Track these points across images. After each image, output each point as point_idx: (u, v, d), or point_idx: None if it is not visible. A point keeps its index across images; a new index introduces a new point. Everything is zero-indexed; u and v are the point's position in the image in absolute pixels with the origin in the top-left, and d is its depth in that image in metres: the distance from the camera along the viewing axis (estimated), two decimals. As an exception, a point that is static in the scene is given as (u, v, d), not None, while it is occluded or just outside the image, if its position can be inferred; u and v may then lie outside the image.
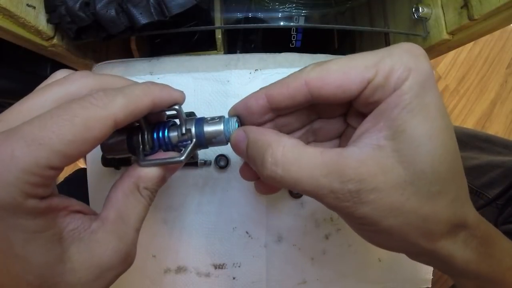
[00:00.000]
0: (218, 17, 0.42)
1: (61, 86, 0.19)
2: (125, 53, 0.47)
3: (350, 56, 0.19)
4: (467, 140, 0.63)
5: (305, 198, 0.34)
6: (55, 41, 0.33)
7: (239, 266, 0.34)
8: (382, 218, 0.17)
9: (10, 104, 0.18)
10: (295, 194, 0.33)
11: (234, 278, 0.34)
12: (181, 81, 0.34)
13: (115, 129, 0.18)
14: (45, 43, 0.32)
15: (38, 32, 0.31)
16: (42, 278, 0.16)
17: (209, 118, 0.22)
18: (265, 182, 0.19)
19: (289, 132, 0.23)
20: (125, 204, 0.20)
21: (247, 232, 0.34)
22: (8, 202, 0.15)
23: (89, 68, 0.39)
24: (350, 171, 0.17)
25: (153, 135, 0.22)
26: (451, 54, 1.26)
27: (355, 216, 0.17)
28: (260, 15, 0.46)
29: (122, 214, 0.20)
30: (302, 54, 0.35)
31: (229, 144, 0.22)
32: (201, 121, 0.22)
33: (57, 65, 0.39)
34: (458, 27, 0.33)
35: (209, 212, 0.34)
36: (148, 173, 0.21)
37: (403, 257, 0.21)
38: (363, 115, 0.19)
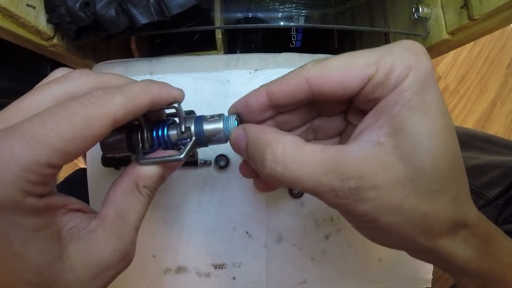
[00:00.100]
0: (218, 17, 0.42)
1: (60, 84, 0.19)
2: (125, 53, 0.47)
3: (350, 53, 0.19)
4: (467, 140, 0.63)
5: (305, 198, 0.34)
6: (55, 41, 0.33)
7: (239, 266, 0.34)
8: (381, 215, 0.17)
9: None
10: (295, 194, 0.33)
11: (234, 278, 0.34)
12: (181, 81, 0.34)
13: (114, 128, 0.18)
14: (45, 43, 0.32)
15: (38, 32, 0.31)
16: (41, 276, 0.16)
17: (208, 116, 0.22)
18: (265, 180, 0.19)
19: (289, 129, 0.23)
20: (124, 203, 0.20)
21: (247, 232, 0.34)
22: (7, 200, 0.15)
23: (89, 68, 0.39)
24: (350, 169, 0.17)
25: (153, 133, 0.22)
26: (451, 54, 1.26)
27: (355, 213, 0.17)
28: (260, 15, 0.46)
29: (121, 213, 0.20)
30: (302, 54, 0.35)
31: (228, 143, 0.22)
32: (200, 119, 0.22)
33: (57, 65, 0.39)
34: (458, 27, 0.33)
35: (209, 212, 0.34)
36: (147, 171, 0.21)
37: (403, 257, 0.21)
38: (363, 113, 0.19)
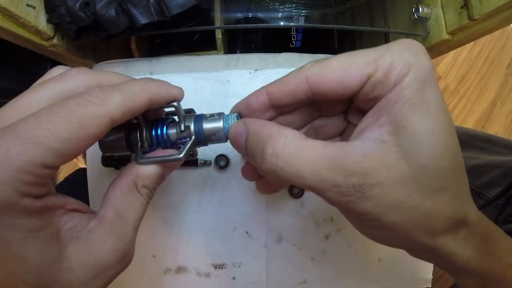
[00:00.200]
0: (218, 17, 0.42)
1: (57, 82, 0.19)
2: (125, 53, 0.47)
3: (350, 53, 0.19)
4: (467, 140, 0.63)
5: (305, 198, 0.34)
6: (55, 41, 0.33)
7: (239, 266, 0.34)
8: (384, 214, 0.17)
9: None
10: (295, 193, 0.33)
11: (234, 278, 0.34)
12: (181, 81, 0.34)
13: (112, 127, 0.17)
14: (45, 43, 0.32)
15: (38, 32, 0.31)
16: (39, 277, 0.16)
17: (208, 115, 0.22)
18: (264, 175, 0.19)
19: None
20: (123, 203, 0.20)
21: (247, 232, 0.34)
22: (3, 201, 0.14)
23: (89, 68, 0.39)
24: (353, 165, 0.17)
25: (152, 132, 0.22)
26: (451, 54, 1.26)
27: (357, 211, 0.17)
28: (260, 15, 0.46)
29: (120, 213, 0.20)
30: (302, 54, 0.35)
31: (228, 142, 0.22)
32: (200, 118, 0.22)
33: (57, 65, 0.39)
34: (458, 27, 0.33)
35: (209, 212, 0.34)
36: (146, 171, 0.21)
37: (403, 257, 0.21)
38: (363, 113, 0.19)
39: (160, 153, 0.22)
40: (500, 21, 0.31)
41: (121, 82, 0.19)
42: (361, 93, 0.18)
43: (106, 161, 0.32)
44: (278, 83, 0.20)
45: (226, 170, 0.33)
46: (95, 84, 0.19)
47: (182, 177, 0.34)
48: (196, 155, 0.26)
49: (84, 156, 0.41)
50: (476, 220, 0.18)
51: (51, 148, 0.15)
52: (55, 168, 0.16)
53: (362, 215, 0.18)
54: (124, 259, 0.20)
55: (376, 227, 0.18)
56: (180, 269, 0.34)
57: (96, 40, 0.33)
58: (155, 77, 0.34)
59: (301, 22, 0.46)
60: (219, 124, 0.22)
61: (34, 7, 0.30)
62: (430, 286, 0.36)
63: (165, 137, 0.22)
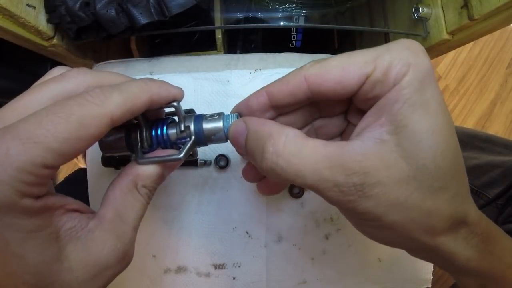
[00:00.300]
0: (218, 17, 0.42)
1: (57, 83, 0.19)
2: (125, 53, 0.47)
3: (349, 53, 0.19)
4: (467, 140, 0.63)
5: (305, 198, 0.34)
6: (55, 41, 0.33)
7: (239, 266, 0.34)
8: (385, 213, 0.17)
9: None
10: (295, 193, 0.33)
11: (234, 278, 0.34)
12: (181, 81, 0.34)
13: (112, 127, 0.17)
14: (45, 43, 0.32)
15: (38, 32, 0.31)
16: (38, 277, 0.16)
17: (208, 115, 0.22)
18: (264, 174, 0.19)
19: None
20: (123, 203, 0.20)
21: (247, 232, 0.34)
22: (3, 201, 0.14)
23: (89, 68, 0.39)
24: (354, 164, 0.17)
25: (152, 132, 0.22)
26: (451, 54, 1.26)
27: (357, 211, 0.17)
28: (260, 15, 0.46)
29: (120, 213, 0.20)
30: (302, 54, 0.35)
31: (229, 142, 0.22)
32: (200, 118, 0.22)
33: (57, 65, 0.39)
34: (458, 27, 0.33)
35: (209, 212, 0.34)
36: (146, 171, 0.21)
37: (403, 257, 0.21)
38: (363, 113, 0.19)
39: (160, 153, 0.22)
40: (500, 21, 0.31)
41: (121, 82, 0.19)
42: (360, 92, 0.18)
43: (106, 161, 0.32)
44: (278, 83, 0.20)
45: (226, 170, 0.33)
46: (95, 84, 0.19)
47: (182, 177, 0.34)
48: (196, 155, 0.26)
49: (84, 156, 0.41)
50: (476, 220, 0.18)
51: (51, 148, 0.15)
52: (55, 168, 0.16)
53: (362, 215, 0.18)
54: (123, 259, 0.20)
55: (376, 227, 0.18)
56: (180, 269, 0.34)
57: (96, 40, 0.33)
58: (155, 77, 0.34)
59: (301, 22, 0.46)
60: (219, 124, 0.22)
61: (34, 7, 0.30)
62: (430, 286, 0.36)
63: (165, 137, 0.22)
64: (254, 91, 0.22)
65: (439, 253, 0.18)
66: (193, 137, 0.22)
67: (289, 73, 0.20)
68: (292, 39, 0.51)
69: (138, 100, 0.18)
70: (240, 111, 0.22)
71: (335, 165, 0.17)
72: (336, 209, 0.20)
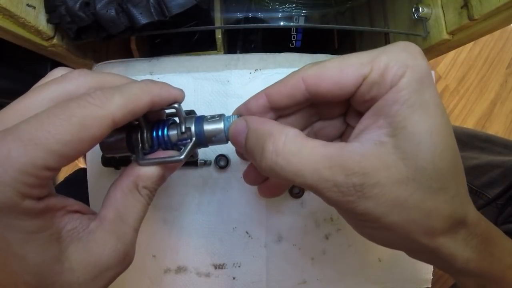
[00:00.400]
0: (218, 17, 0.42)
1: (58, 84, 0.19)
2: (125, 53, 0.47)
3: (347, 55, 0.19)
4: (467, 140, 0.63)
5: (305, 198, 0.34)
6: (55, 41, 0.33)
7: (239, 266, 0.34)
8: (384, 214, 0.17)
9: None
10: (295, 193, 0.33)
11: (234, 278, 0.34)
12: (181, 81, 0.34)
13: (114, 129, 0.18)
14: (45, 43, 0.32)
15: (38, 32, 0.31)
16: (39, 278, 0.16)
17: (209, 117, 0.22)
18: (263, 173, 0.19)
19: None
20: (124, 204, 0.20)
21: (247, 232, 0.34)
22: (5, 203, 0.14)
23: (89, 68, 0.39)
24: (354, 165, 0.17)
25: (153, 133, 0.22)
26: (451, 54, 1.26)
27: (357, 212, 0.17)
28: (260, 15, 0.46)
29: (121, 214, 0.20)
30: (302, 54, 0.35)
31: (229, 142, 0.22)
32: (201, 120, 0.22)
33: (57, 65, 0.39)
34: (458, 27, 0.33)
35: (209, 212, 0.34)
36: (147, 172, 0.21)
37: (403, 257, 0.21)
38: (361, 115, 0.19)
39: (161, 154, 0.22)
40: (500, 21, 0.31)
41: (122, 84, 0.19)
42: (357, 94, 0.18)
43: (106, 161, 0.32)
44: (277, 85, 0.20)
45: (226, 170, 0.34)
46: (96, 86, 0.19)
47: (182, 177, 0.34)
48: (197, 156, 0.26)
49: (84, 156, 0.41)
50: (475, 221, 0.18)
51: (53, 150, 0.15)
52: (56, 170, 0.16)
53: (362, 216, 0.18)
54: (124, 260, 0.20)
55: (376, 228, 0.18)
56: (180, 269, 0.34)
57: (96, 40, 0.33)
58: (155, 77, 0.34)
59: (301, 22, 0.46)
60: (220, 125, 0.22)
61: (34, 7, 0.30)
62: (430, 286, 0.36)
63: (166, 139, 0.22)
64: (254, 91, 0.22)
65: (439, 254, 0.18)
66: (194, 138, 0.22)
67: (287, 75, 0.20)
68: (292, 39, 0.51)
69: (140, 102, 0.18)
70: (241, 114, 0.22)
71: (334, 165, 0.17)
72: (336, 210, 0.20)
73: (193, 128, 0.22)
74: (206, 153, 0.34)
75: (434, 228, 0.17)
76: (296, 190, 0.33)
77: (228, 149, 0.33)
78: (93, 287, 0.18)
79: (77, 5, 0.29)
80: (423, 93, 0.17)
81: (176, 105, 0.21)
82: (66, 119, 0.16)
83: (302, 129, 0.23)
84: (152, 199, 0.22)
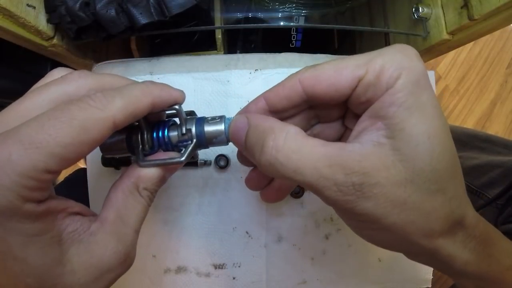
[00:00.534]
0: (218, 17, 0.42)
1: (58, 86, 0.19)
2: (125, 53, 0.47)
3: (343, 57, 0.19)
4: (467, 140, 0.63)
5: (305, 198, 0.34)
6: (55, 41, 0.33)
7: (239, 266, 0.34)
8: (383, 215, 0.17)
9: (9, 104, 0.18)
10: (295, 193, 0.33)
11: (234, 278, 0.34)
12: (181, 81, 0.34)
13: (114, 131, 0.18)
14: (45, 43, 0.32)
15: (38, 32, 0.31)
16: (40, 280, 0.16)
17: (209, 118, 0.22)
18: (261, 169, 0.19)
19: None
20: (124, 205, 0.20)
21: (247, 232, 0.34)
22: (6, 206, 0.14)
23: (89, 68, 0.39)
24: (353, 164, 0.17)
25: (153, 134, 0.22)
26: (451, 54, 1.25)
27: (356, 212, 0.17)
28: (260, 15, 0.46)
29: (122, 215, 0.20)
30: (302, 54, 0.35)
31: (229, 144, 0.22)
32: (201, 121, 0.22)
33: (57, 65, 0.39)
34: (458, 27, 0.33)
35: (209, 213, 0.34)
36: (147, 173, 0.21)
37: (403, 257, 0.21)
38: (359, 117, 0.19)
39: (161, 155, 0.22)
40: (500, 21, 0.31)
41: (122, 86, 0.19)
42: (353, 96, 0.18)
43: (106, 161, 0.32)
44: (275, 88, 0.21)
45: (226, 170, 0.34)
46: (96, 87, 0.19)
47: (182, 178, 0.34)
48: (197, 157, 0.26)
49: (84, 156, 0.41)
50: (474, 223, 0.18)
51: (53, 153, 0.15)
52: (57, 172, 0.16)
53: (361, 216, 0.18)
54: (125, 262, 0.20)
55: (375, 229, 0.18)
56: (180, 269, 0.34)
57: (96, 40, 0.33)
58: (155, 77, 0.34)
59: (301, 22, 0.46)
60: (221, 127, 0.22)
61: (34, 7, 0.30)
62: (430, 286, 0.36)
63: (166, 140, 0.22)
64: (254, 91, 0.22)
65: (437, 256, 0.18)
66: (194, 140, 0.22)
67: (285, 78, 0.20)
68: (292, 39, 0.51)
69: (140, 104, 0.18)
70: None
71: (334, 164, 0.17)
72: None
73: (193, 130, 0.22)
74: (206, 153, 0.34)
75: (433, 229, 0.17)
76: (296, 190, 0.33)
77: (228, 149, 0.33)
78: None
79: (77, 5, 0.29)
80: (420, 95, 0.17)
81: (177, 107, 0.21)
82: (67, 122, 0.15)
83: None
84: (153, 200, 0.22)
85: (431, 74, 0.35)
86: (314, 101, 0.20)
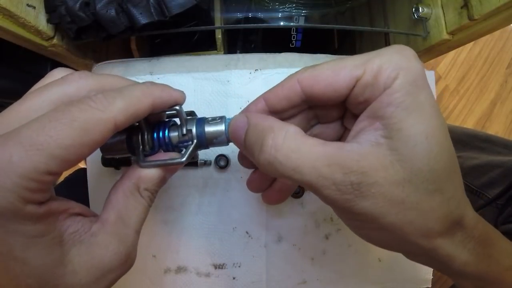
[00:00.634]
0: (218, 17, 0.42)
1: (59, 86, 0.19)
2: (125, 53, 0.47)
3: (342, 57, 0.19)
4: (467, 140, 0.63)
5: (305, 198, 0.34)
6: (55, 41, 0.33)
7: (239, 266, 0.34)
8: (382, 214, 0.17)
9: (10, 104, 0.18)
10: (295, 193, 0.33)
11: (234, 278, 0.34)
12: (181, 81, 0.34)
13: (115, 132, 0.18)
14: (45, 43, 0.32)
15: (38, 32, 0.31)
16: (42, 281, 0.16)
17: (210, 118, 0.22)
18: (260, 168, 0.19)
19: None
20: (125, 206, 0.20)
21: (247, 232, 0.34)
22: (7, 208, 0.14)
23: (89, 68, 0.39)
24: (352, 163, 0.17)
25: (153, 135, 0.22)
26: (451, 54, 1.25)
27: (354, 211, 0.17)
28: (260, 15, 0.46)
29: (123, 216, 0.20)
30: (302, 54, 0.35)
31: (230, 144, 0.22)
32: (202, 122, 0.22)
33: (57, 65, 0.39)
34: (458, 27, 0.33)
35: (209, 213, 0.34)
36: (148, 174, 0.21)
37: (403, 257, 0.21)
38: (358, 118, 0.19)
39: (162, 156, 0.22)
40: (500, 21, 0.31)
41: (123, 87, 0.19)
42: (351, 96, 0.19)
43: (106, 161, 0.32)
44: (274, 89, 0.21)
45: (226, 170, 0.34)
46: (96, 88, 0.19)
47: (183, 178, 0.34)
48: (197, 157, 0.26)
49: (84, 156, 0.41)
50: (472, 223, 0.18)
51: (54, 154, 0.15)
52: (58, 174, 0.16)
53: (359, 215, 0.18)
54: (126, 262, 0.20)
55: (373, 229, 0.18)
56: (180, 269, 0.34)
57: (96, 40, 0.33)
58: (155, 77, 0.34)
59: (301, 22, 0.46)
60: (221, 127, 0.22)
61: (34, 7, 0.30)
62: (430, 286, 0.36)
63: (166, 140, 0.22)
64: (254, 91, 0.22)
65: (436, 256, 0.18)
66: (195, 140, 0.22)
67: (284, 79, 0.21)
68: (292, 39, 0.51)
69: (141, 105, 0.18)
70: None
71: (333, 163, 0.17)
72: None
73: (194, 130, 0.22)
74: (206, 153, 0.34)
75: (431, 229, 0.17)
76: (296, 190, 0.33)
77: (228, 149, 0.33)
78: None
79: (77, 5, 0.29)
80: (417, 96, 0.17)
81: (177, 107, 0.21)
82: (68, 124, 0.15)
83: None
84: (154, 201, 0.22)
85: (431, 74, 0.35)
86: (313, 101, 0.20)
